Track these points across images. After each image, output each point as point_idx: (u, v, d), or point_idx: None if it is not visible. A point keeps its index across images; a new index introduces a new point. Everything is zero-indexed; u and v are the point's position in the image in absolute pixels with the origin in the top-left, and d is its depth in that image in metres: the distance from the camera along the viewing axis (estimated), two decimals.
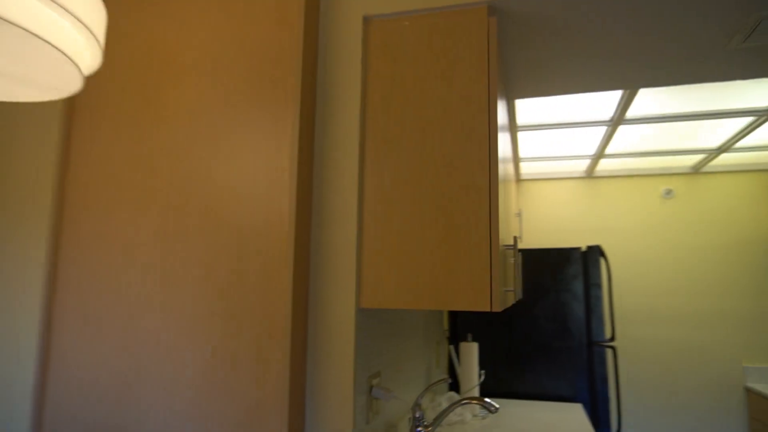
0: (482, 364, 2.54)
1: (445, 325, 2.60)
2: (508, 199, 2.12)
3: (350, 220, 1.32)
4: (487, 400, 1.51)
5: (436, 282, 1.25)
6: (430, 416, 1.92)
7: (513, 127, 2.48)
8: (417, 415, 1.55)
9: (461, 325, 2.60)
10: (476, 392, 2.11)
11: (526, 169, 3.41)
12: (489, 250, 1.23)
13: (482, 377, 2.40)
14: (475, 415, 2.08)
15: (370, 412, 1.35)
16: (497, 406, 1.52)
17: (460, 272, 1.24)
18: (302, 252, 1.27)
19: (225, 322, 1.23)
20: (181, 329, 1.24)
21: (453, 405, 1.54)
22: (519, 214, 3.00)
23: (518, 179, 3.41)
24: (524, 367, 2.48)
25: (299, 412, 1.25)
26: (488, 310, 1.20)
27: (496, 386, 2.52)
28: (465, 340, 2.58)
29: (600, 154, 2.96)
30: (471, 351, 2.14)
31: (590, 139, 2.74)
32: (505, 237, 1.48)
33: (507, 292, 1.48)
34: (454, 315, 2.63)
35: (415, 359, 1.91)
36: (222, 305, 1.23)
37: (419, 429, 1.54)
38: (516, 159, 2.95)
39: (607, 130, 2.58)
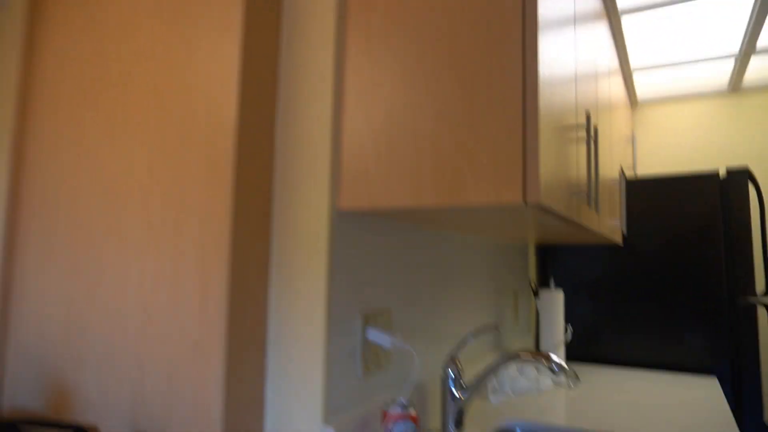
0: (582, 323, 2.01)
1: (532, 272, 2.10)
2: (613, 119, 1.52)
3: (323, 85, 0.92)
4: (555, 358, 1.05)
5: (443, 166, 0.82)
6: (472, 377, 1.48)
7: (611, 13, 1.87)
8: (451, 374, 1.13)
9: (553, 274, 2.08)
10: (561, 353, 1.62)
11: (643, 87, 2.72)
12: (522, 114, 0.77)
13: (569, 334, 1.88)
14: (558, 383, 1.60)
15: (365, 363, 0.96)
16: (566, 367, 1.04)
17: (477, 149, 0.79)
18: (254, 136, 0.90)
19: (167, 239, 0.91)
20: (126, 248, 0.95)
21: (501, 361, 1.10)
22: (632, 140, 2.37)
23: (632, 101, 2.73)
24: (639, 329, 1.92)
25: (252, 357, 0.90)
26: (520, 200, 0.75)
27: (600, 350, 1.98)
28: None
29: (749, 51, 2.20)
30: (553, 301, 1.65)
31: (731, 30, 2.02)
32: (609, 158, 0.97)
33: (574, 196, 0.99)
34: (542, 259, 2.12)
35: (472, 309, 1.48)
36: (163, 216, 0.91)
37: (454, 391, 1.12)
38: (625, 70, 2.30)
39: (756, 6, 1.86)
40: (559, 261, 2.08)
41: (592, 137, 1.06)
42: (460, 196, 0.79)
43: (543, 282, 2.11)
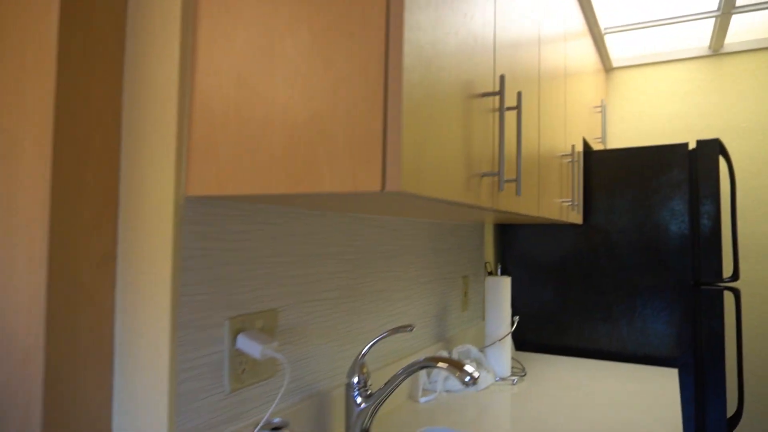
0: (541, 309, 1.88)
1: (489, 254, 1.96)
2: (570, 87, 1.33)
3: (171, 35, 0.75)
4: (469, 369, 0.90)
5: (295, 144, 0.65)
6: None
7: None
8: (355, 381, 0.99)
9: (511, 255, 1.94)
10: (506, 346, 1.49)
11: (618, 51, 2.52)
12: (384, 81, 0.60)
13: (515, 324, 1.75)
14: (501, 379, 1.47)
15: (235, 376, 0.81)
16: (474, 375, 0.90)
17: (333, 123, 0.63)
18: (85, 96, 0.73)
19: None
20: None
21: (409, 369, 0.96)
22: (601, 108, 2.20)
23: (606, 66, 2.54)
24: (601, 316, 1.78)
25: (90, 368, 0.75)
26: (378, 187, 0.59)
27: (555, 339, 1.85)
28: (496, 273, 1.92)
29: (730, 8, 2.00)
30: (499, 288, 1.50)
31: None
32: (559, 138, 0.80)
33: (482, 177, 0.83)
34: (501, 239, 1.97)
35: (404, 301, 1.33)
36: None
37: (357, 400, 0.98)
38: (594, 32, 2.11)
39: None
40: (519, 241, 1.93)
41: (507, 109, 0.90)
42: (314, 182, 0.63)
43: (503, 263, 1.97)
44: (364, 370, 1.00)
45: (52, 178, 0.70)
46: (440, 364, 0.92)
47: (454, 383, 1.35)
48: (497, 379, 1.46)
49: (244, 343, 0.81)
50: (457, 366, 0.91)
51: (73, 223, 0.73)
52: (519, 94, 0.91)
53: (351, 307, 1.12)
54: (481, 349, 1.51)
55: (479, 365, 1.46)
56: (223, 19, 0.72)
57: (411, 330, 0.99)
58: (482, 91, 0.84)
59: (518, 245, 1.93)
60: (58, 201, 0.71)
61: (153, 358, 0.75)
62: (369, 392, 0.99)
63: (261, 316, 0.87)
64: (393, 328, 0.99)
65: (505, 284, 1.50)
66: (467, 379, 0.90)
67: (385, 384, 0.97)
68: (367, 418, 0.98)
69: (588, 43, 2.00)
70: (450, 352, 1.46)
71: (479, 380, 1.37)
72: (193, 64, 0.75)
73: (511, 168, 0.98)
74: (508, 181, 0.90)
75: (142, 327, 0.76)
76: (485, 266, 1.91)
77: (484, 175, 0.84)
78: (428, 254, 1.48)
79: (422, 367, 0.95)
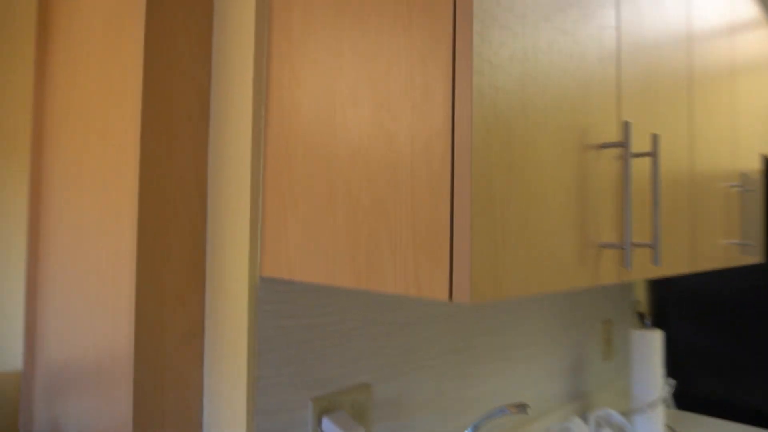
0: (707, 360, 1.57)
1: (639, 294, 1.69)
2: (738, 89, 1.05)
3: (244, 123, 0.73)
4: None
5: (358, 232, 0.58)
6: None
7: None
8: None
9: (669, 296, 1.65)
10: (657, 412, 1.25)
11: None
12: (450, 177, 0.50)
13: (671, 387, 1.46)
14: None
15: None
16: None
17: (397, 212, 0.54)
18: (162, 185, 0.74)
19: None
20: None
21: None
22: None
23: None
24: None
25: None
26: (446, 296, 0.49)
27: (729, 395, 1.53)
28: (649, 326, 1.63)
29: None
30: (647, 344, 1.27)
31: None
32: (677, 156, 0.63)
33: (638, 249, 0.68)
34: (657, 286, 1.70)
35: (527, 357, 1.18)
36: None
37: None
38: None
39: None
40: (681, 279, 1.63)
41: (634, 156, 0.72)
42: (377, 279, 0.55)
43: (659, 306, 1.69)
44: None
45: (137, 249, 0.72)
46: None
47: None
48: None
49: (329, 427, 0.76)
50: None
51: (157, 296, 0.74)
52: (655, 138, 0.73)
53: (460, 372, 1.01)
54: (626, 414, 1.29)
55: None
56: (290, 79, 0.67)
57: (525, 411, 0.85)
58: (598, 139, 0.68)
59: (678, 281, 1.64)
60: (142, 273, 0.72)
61: None
62: None
63: (351, 393, 0.81)
64: (496, 409, 0.86)
65: (653, 339, 1.27)
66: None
67: None
68: None
69: (766, 33, 1.63)
70: (586, 417, 1.27)
71: None
72: (266, 134, 0.71)
73: (644, 229, 0.79)
74: (639, 245, 0.72)
75: (223, 410, 0.74)
76: (634, 307, 1.65)
77: (605, 246, 0.68)
78: (556, 298, 1.31)
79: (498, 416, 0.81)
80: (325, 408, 0.78)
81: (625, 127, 0.68)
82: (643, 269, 0.78)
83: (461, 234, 0.48)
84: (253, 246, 0.70)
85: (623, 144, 0.68)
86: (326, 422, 0.76)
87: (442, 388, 0.97)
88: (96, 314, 0.81)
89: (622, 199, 0.73)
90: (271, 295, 0.72)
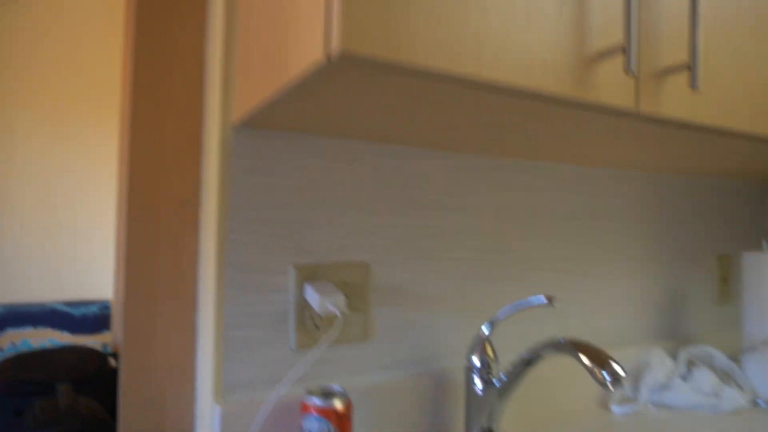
0: None
1: None
2: None
3: None
4: (615, 367, 0.60)
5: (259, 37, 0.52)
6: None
7: None
8: (474, 362, 0.76)
9: None
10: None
11: None
12: None
13: None
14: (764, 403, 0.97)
15: (304, 331, 0.72)
16: (619, 374, 0.59)
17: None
18: None
19: None
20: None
21: (531, 355, 0.69)
22: None
23: None
24: None
25: (172, 312, 0.76)
26: (320, 53, 0.41)
27: None
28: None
29: None
30: (763, 272, 1.00)
31: None
32: None
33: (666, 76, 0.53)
34: None
35: (597, 274, 1.01)
36: None
37: (477, 387, 0.76)
38: None
39: None
40: None
41: None
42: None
43: None
44: (489, 352, 0.77)
45: (131, 125, 0.73)
46: (575, 350, 0.63)
47: (679, 393, 0.95)
48: (761, 403, 0.98)
49: (310, 294, 0.70)
50: (598, 359, 0.61)
51: (153, 167, 0.75)
52: None
53: (491, 273, 0.89)
54: (736, 357, 1.04)
55: (726, 378, 1.00)
56: None
57: (552, 304, 0.71)
58: None
59: None
60: (136, 144, 0.74)
61: (207, 300, 0.71)
62: (495, 379, 0.75)
63: (344, 269, 0.75)
64: (514, 304, 0.73)
65: None
66: (608, 380, 0.59)
67: (510, 370, 0.72)
68: (487, 415, 0.75)
69: None
70: (676, 354, 1.04)
71: (725, 399, 0.94)
72: None
73: (673, 39, 0.60)
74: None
75: (205, 268, 0.73)
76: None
77: (604, 55, 0.53)
78: (644, 221, 1.09)
79: (550, 351, 0.67)
80: (310, 278, 0.73)
81: None
82: (674, 99, 0.60)
83: None
84: (224, 88, 0.68)
85: None
86: (308, 289, 0.71)
87: (463, 288, 0.86)
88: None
89: None
90: (246, 148, 0.69)
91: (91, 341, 1.71)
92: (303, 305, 0.72)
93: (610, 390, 0.58)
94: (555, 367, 0.93)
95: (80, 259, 2.04)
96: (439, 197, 0.84)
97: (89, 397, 0.95)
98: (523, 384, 0.89)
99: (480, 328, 0.83)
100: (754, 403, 0.98)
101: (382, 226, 0.79)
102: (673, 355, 1.05)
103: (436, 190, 0.84)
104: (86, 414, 0.88)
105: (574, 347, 0.63)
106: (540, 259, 0.94)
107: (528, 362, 0.70)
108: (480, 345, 0.77)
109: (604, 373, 0.59)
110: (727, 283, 1.23)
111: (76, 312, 1.72)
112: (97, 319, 1.73)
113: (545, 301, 0.71)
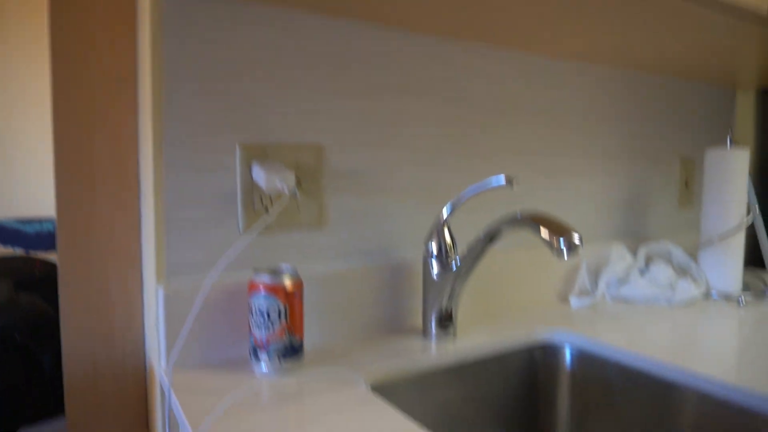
0: None
1: (742, 136, 1.36)
2: None
3: None
4: (576, 238, 0.58)
5: None
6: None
7: None
8: (432, 249, 0.75)
9: None
10: (735, 250, 0.99)
11: None
12: None
13: (751, 219, 1.10)
14: (722, 296, 0.99)
15: (252, 213, 0.68)
16: (574, 242, 0.57)
17: None
18: None
19: None
20: None
21: (491, 230, 0.67)
22: None
23: None
24: None
25: (110, 198, 0.71)
26: None
27: None
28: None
29: None
30: (727, 166, 0.99)
31: None
32: None
33: None
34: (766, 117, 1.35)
35: (561, 169, 0.99)
36: None
37: (433, 266, 0.74)
38: None
39: None
40: None
41: None
42: None
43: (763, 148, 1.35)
44: (447, 236, 0.75)
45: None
46: (536, 223, 0.61)
47: (635, 287, 0.96)
48: (714, 295, 1.00)
49: (257, 172, 0.66)
50: (556, 229, 0.59)
51: (80, 43, 0.67)
52: None
53: (452, 164, 0.86)
54: (693, 256, 1.05)
55: (682, 273, 1.02)
56: None
57: (511, 185, 0.68)
58: None
59: None
60: (57, 21, 0.66)
61: (148, 179, 0.66)
62: (452, 264, 0.74)
63: (295, 150, 0.70)
64: (474, 186, 0.70)
65: (739, 159, 0.99)
66: (563, 248, 0.57)
67: (468, 251, 0.71)
68: (446, 298, 0.74)
69: None
70: (636, 251, 1.05)
71: (679, 291, 0.95)
72: None
73: None
74: None
75: (145, 147, 0.67)
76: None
77: None
78: (610, 119, 1.07)
79: (512, 226, 0.65)
80: (259, 158, 0.68)
81: None
82: None
83: None
84: None
85: None
86: (256, 167, 0.67)
87: (423, 177, 0.83)
88: None
89: None
90: (182, 17, 0.62)
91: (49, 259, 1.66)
92: (251, 186, 0.68)
93: (563, 259, 0.57)
94: (516, 262, 0.92)
95: (32, 175, 1.95)
96: (401, 81, 0.79)
97: (36, 296, 0.92)
98: (482, 279, 0.88)
99: (439, 215, 0.81)
100: (708, 296, 1.00)
101: (339, 108, 0.74)
102: (634, 252, 1.06)
103: (398, 73, 0.79)
104: (27, 306, 0.85)
105: (532, 219, 0.61)
106: (503, 151, 0.91)
107: (487, 239, 0.68)
108: (439, 228, 0.74)
109: (561, 241, 0.57)
110: (689, 188, 1.24)
111: (30, 229, 1.65)
112: (51, 236, 1.67)
113: (505, 182, 0.69)
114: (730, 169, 0.98)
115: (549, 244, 0.58)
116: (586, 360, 0.77)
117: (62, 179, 0.67)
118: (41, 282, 0.98)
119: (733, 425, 0.60)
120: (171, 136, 0.63)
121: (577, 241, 0.57)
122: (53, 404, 0.85)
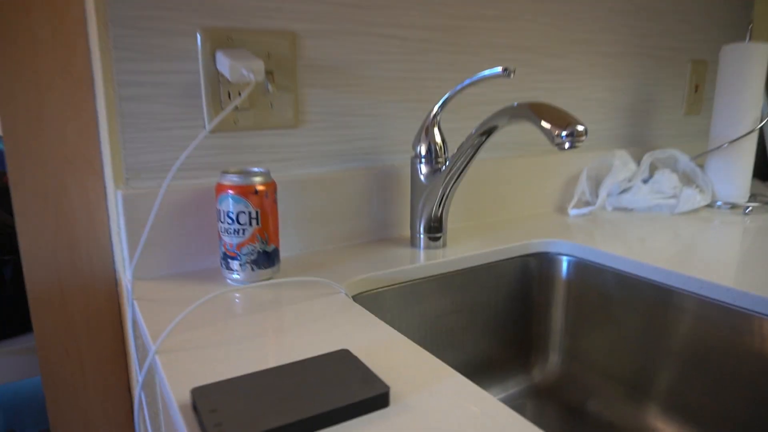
0: None
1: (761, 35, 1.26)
2: None
3: None
4: (580, 128, 0.52)
5: None
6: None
7: None
8: (420, 150, 0.68)
9: None
10: (744, 158, 0.93)
11: None
12: None
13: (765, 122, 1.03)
14: (727, 204, 0.94)
15: (214, 107, 0.61)
16: (579, 129, 0.50)
17: None
18: None
19: None
20: None
21: (483, 127, 0.60)
22: None
23: None
24: None
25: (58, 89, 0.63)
26: None
27: None
28: None
29: None
30: (743, 64, 0.91)
31: None
32: None
33: None
34: None
35: (560, 68, 0.90)
36: None
37: (422, 169, 0.68)
38: None
39: None
40: None
41: None
42: None
43: None
44: (437, 135, 0.68)
45: None
46: (534, 114, 0.54)
47: (635, 197, 0.91)
48: (718, 203, 0.95)
49: (221, 60, 0.58)
50: (556, 119, 0.53)
51: None
52: None
53: (443, 58, 0.77)
54: (700, 164, 0.99)
55: (687, 181, 0.96)
56: None
57: (508, 74, 0.61)
58: None
59: None
60: None
61: (98, 71, 0.58)
62: (440, 167, 0.68)
63: (264, 36, 0.62)
64: (470, 79, 0.62)
65: (757, 56, 0.91)
66: (564, 139, 0.51)
67: (459, 150, 0.64)
68: (435, 203, 0.68)
69: None
70: (640, 159, 0.99)
71: (682, 199, 0.90)
72: None
73: None
74: None
75: (92, 34, 0.59)
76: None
77: None
78: (619, 13, 0.97)
79: (511, 117, 0.59)
80: (225, 45, 0.60)
81: None
82: None
83: None
84: None
85: None
86: (220, 55, 0.58)
87: (410, 72, 0.75)
88: None
89: None
90: None
91: None
92: (216, 78, 0.60)
93: (564, 149, 0.51)
94: (512, 172, 0.86)
95: None
96: None
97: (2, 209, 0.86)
98: (476, 189, 0.82)
99: (428, 113, 0.74)
100: (713, 205, 0.95)
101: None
102: (638, 161, 1.00)
103: None
104: None
105: (530, 108, 0.54)
106: (500, 46, 0.83)
107: (480, 134, 0.62)
108: (428, 126, 0.68)
109: (563, 133, 0.51)
110: (699, 92, 1.16)
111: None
112: None
113: (501, 71, 0.61)
114: (747, 67, 0.90)
115: (549, 133, 0.52)
116: (582, 268, 0.72)
117: (3, 75, 0.59)
118: (7, 193, 0.92)
119: (731, 328, 0.56)
120: (115, 14, 0.54)
121: (581, 130, 0.51)
122: (19, 321, 0.81)
